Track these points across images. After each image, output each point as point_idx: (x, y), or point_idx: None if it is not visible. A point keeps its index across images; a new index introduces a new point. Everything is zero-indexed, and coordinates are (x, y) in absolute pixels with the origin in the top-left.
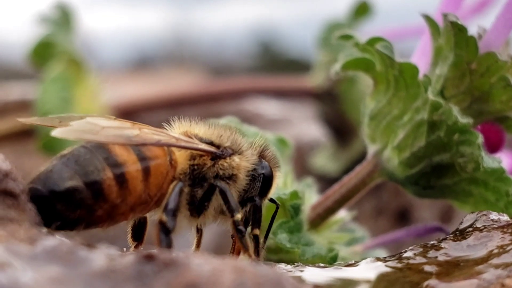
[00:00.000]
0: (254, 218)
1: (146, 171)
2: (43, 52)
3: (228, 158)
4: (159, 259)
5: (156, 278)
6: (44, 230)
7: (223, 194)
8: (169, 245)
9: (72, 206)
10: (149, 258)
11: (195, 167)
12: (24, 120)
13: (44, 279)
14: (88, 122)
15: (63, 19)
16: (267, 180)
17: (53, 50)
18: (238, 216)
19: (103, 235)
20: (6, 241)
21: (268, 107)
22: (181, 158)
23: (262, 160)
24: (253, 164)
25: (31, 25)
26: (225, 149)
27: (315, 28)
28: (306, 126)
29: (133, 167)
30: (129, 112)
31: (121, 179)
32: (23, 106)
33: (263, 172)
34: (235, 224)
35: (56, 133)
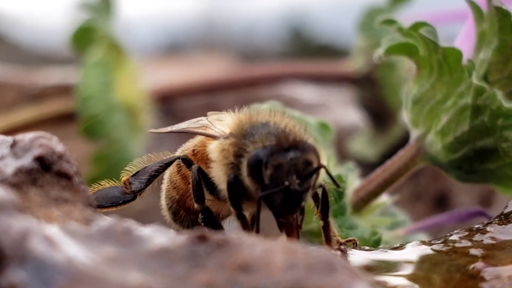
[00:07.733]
0: None
1: None
2: (83, 37)
3: None
4: (212, 239)
5: (209, 258)
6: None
7: None
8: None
9: None
10: (202, 238)
11: None
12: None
13: (100, 258)
14: None
15: (104, 4)
16: None
17: (93, 35)
18: None
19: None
20: (62, 221)
21: (305, 92)
22: None
23: None
24: None
25: (71, 10)
26: None
27: (346, 13)
28: (343, 111)
29: None
30: (167, 97)
31: None
32: (63, 91)
33: None
34: None
35: None
